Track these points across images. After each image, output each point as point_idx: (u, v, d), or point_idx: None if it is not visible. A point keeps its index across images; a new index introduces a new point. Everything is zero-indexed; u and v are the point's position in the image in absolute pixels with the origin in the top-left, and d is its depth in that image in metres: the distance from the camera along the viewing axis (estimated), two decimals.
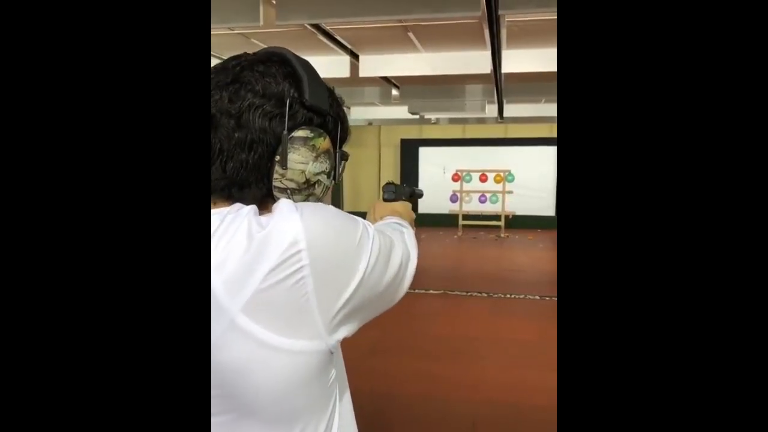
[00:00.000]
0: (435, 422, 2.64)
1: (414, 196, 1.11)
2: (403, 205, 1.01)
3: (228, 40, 3.74)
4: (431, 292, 5.18)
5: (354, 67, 4.56)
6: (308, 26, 3.48)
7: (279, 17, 3.10)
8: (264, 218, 0.59)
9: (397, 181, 1.08)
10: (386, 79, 5.52)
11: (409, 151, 10.75)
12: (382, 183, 1.08)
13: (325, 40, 3.83)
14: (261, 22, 3.08)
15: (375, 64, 4.58)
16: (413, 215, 1.02)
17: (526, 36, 3.86)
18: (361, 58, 4.54)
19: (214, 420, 0.58)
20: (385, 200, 1.05)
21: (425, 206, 10.41)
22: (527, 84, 5.71)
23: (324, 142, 0.68)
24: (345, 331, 0.63)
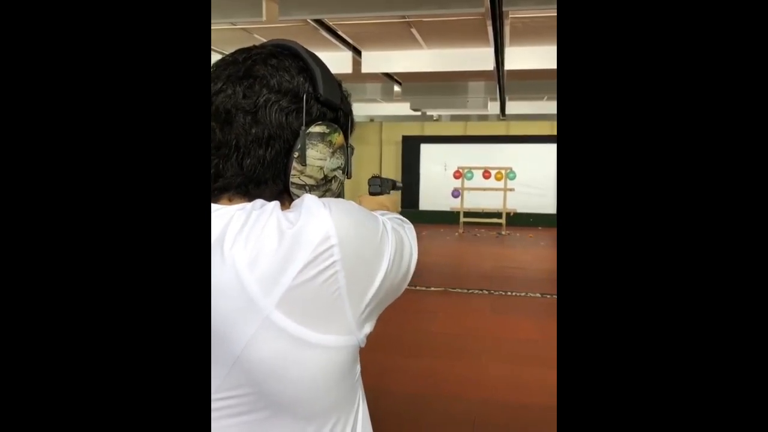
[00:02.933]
0: (435, 420, 2.65)
1: (395, 189, 1.11)
2: (389, 199, 1.02)
3: (230, 35, 3.74)
4: (432, 289, 5.18)
5: (356, 63, 4.56)
6: (310, 21, 3.48)
7: (281, 12, 3.10)
8: (291, 214, 0.58)
9: (398, 177, 1.09)
10: (388, 75, 5.52)
11: (410, 148, 10.75)
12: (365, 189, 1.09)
13: (327, 35, 3.83)
14: (263, 18, 3.08)
15: (377, 61, 4.58)
16: (399, 208, 1.03)
17: (530, 33, 3.85)
18: (363, 54, 4.54)
19: (249, 417, 0.58)
20: (371, 194, 1.04)
21: (426, 203, 10.43)
22: (530, 81, 5.71)
23: (339, 137, 0.68)
24: (370, 326, 0.64)
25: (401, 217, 0.86)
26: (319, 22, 3.54)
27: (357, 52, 4.49)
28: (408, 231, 0.77)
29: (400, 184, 1.14)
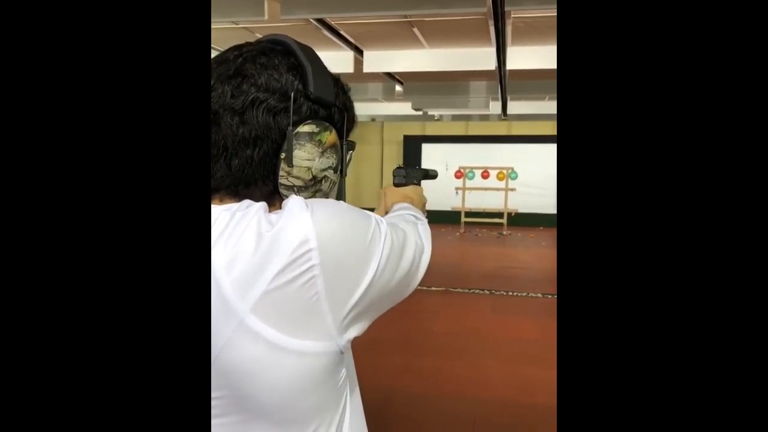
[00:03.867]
0: (436, 419, 2.65)
1: (428, 178, 1.06)
2: (414, 190, 0.98)
3: (232, 35, 3.74)
4: (433, 289, 5.18)
5: (358, 63, 4.56)
6: (312, 21, 3.48)
7: (283, 12, 3.10)
8: (273, 216, 0.57)
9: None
10: (390, 75, 5.52)
11: (411, 148, 10.74)
12: (385, 180, 1.05)
13: (329, 35, 3.83)
14: (265, 17, 3.08)
15: (379, 60, 4.57)
16: (425, 199, 0.99)
17: (532, 33, 3.85)
18: (365, 53, 4.53)
19: (224, 420, 0.57)
20: (395, 185, 1.01)
21: (427, 203, 10.39)
22: (531, 81, 5.70)
23: (330, 136, 0.66)
24: (356, 331, 0.61)
25: (417, 214, 0.83)
26: (321, 21, 3.54)
27: (359, 52, 4.48)
28: (421, 229, 0.74)
29: (434, 172, 1.09)
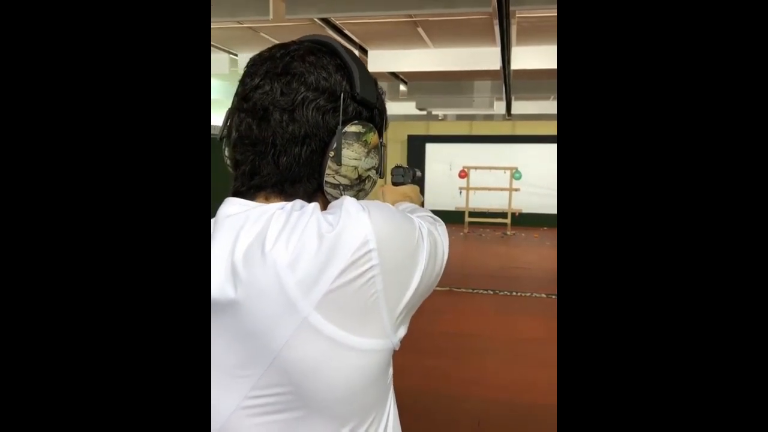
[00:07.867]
0: (440, 419, 2.65)
1: (414, 179, 1.08)
2: (413, 189, 1.00)
3: (237, 34, 3.74)
4: (437, 289, 5.15)
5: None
6: (317, 20, 3.48)
7: (288, 11, 3.11)
8: (331, 216, 0.59)
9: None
10: (394, 74, 5.52)
11: (416, 148, 10.74)
12: (388, 180, 1.06)
13: (333, 34, 3.83)
14: (270, 16, 3.08)
15: (383, 60, 4.57)
16: (422, 199, 1.01)
17: (536, 32, 3.84)
18: (369, 53, 4.53)
19: (284, 416, 0.58)
20: (394, 184, 1.02)
21: (431, 203, 10.42)
22: (536, 81, 5.69)
23: (374, 137, 0.68)
24: (404, 329, 0.64)
25: (432, 214, 0.85)
26: (326, 20, 3.54)
27: (363, 51, 4.49)
28: (440, 230, 0.76)
29: (419, 174, 1.11)
